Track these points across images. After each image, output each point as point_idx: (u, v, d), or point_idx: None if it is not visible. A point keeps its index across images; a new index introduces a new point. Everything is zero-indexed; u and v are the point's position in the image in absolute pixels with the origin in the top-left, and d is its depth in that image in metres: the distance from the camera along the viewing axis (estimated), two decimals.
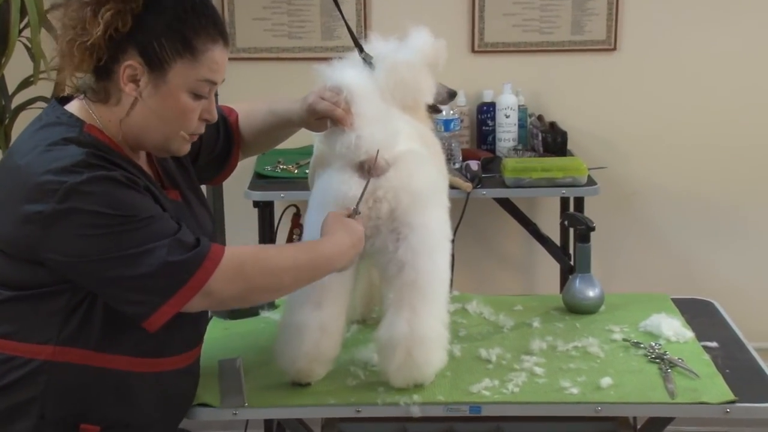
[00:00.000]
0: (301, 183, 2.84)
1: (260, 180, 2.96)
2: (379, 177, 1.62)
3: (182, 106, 1.45)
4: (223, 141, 1.74)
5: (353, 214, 1.60)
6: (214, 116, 1.50)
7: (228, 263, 1.43)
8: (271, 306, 2.07)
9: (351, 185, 1.62)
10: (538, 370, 1.74)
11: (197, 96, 1.46)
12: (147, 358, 1.48)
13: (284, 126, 1.72)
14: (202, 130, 1.51)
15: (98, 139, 1.45)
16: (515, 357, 1.80)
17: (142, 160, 1.54)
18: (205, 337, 1.94)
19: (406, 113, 1.75)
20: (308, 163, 2.55)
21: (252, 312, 2.04)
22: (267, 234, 2.97)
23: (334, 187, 1.64)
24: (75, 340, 1.45)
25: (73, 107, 1.49)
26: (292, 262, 1.50)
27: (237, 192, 2.91)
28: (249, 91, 3.04)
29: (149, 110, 1.45)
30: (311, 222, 1.67)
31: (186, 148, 1.50)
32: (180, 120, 1.46)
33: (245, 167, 3.18)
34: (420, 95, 1.80)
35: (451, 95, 1.93)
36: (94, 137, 1.45)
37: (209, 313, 2.08)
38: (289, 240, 3.08)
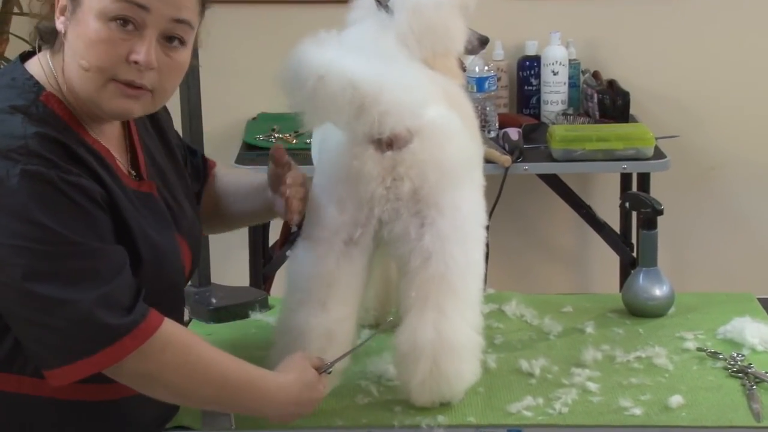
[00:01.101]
0: (301, 156, 2.84)
1: (250, 152, 2.97)
2: (401, 149, 1.63)
3: (91, 33, 1.40)
4: (194, 179, 1.76)
5: (323, 368, 1.59)
6: (145, 58, 1.41)
7: (153, 341, 1.43)
8: (264, 306, 2.09)
9: (365, 161, 1.62)
10: (592, 386, 1.74)
11: (113, 19, 1.40)
12: (98, 384, 1.47)
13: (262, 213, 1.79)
14: (136, 77, 1.43)
15: (54, 113, 1.44)
16: (563, 370, 1.80)
17: (110, 137, 1.52)
18: None
19: (433, 67, 1.75)
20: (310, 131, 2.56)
21: (241, 313, 2.06)
22: None
23: (345, 162, 1.64)
24: (9, 364, 1.46)
25: (34, 64, 1.48)
26: (220, 376, 1.49)
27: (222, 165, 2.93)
28: (227, 48, 3.02)
29: (71, 49, 1.43)
30: (316, 204, 1.68)
31: (123, 105, 1.44)
32: (93, 54, 1.40)
33: (232, 137, 3.20)
34: (451, 43, 1.80)
35: (483, 42, 1.93)
36: (50, 110, 1.43)
37: (186, 316, 2.10)
38: (286, 227, 3.08)
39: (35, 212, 1.36)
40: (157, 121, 1.65)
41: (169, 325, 1.45)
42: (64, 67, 1.44)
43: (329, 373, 1.61)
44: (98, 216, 1.42)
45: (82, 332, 1.39)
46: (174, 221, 1.58)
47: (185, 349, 1.46)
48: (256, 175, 1.80)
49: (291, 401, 1.55)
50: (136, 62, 1.42)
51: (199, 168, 1.79)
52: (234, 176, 1.83)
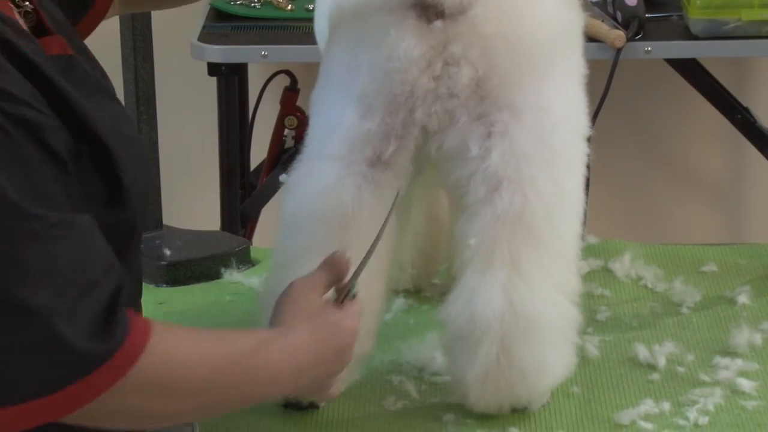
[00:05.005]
0: (300, 29, 2.84)
1: (221, 23, 2.96)
2: (456, 18, 1.64)
3: None
4: None
5: (342, 294, 1.57)
6: None
7: (135, 372, 1.39)
8: (244, 261, 2.12)
9: (405, 37, 1.63)
10: (746, 384, 1.76)
11: None
12: None
13: None
14: None
15: None
16: (703, 360, 1.83)
17: None
18: None
19: None
20: None
21: (209, 272, 2.09)
22: (233, 127, 2.99)
23: (371, 38, 1.66)
24: None
25: None
26: (206, 375, 1.44)
27: (177, 44, 2.93)
28: None
29: None
30: (325, 105, 1.70)
31: None
32: None
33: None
34: None
35: None
36: None
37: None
38: (276, 141, 3.07)
39: None
40: None
41: (163, 334, 1.42)
42: None
43: (355, 294, 1.56)
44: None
45: (53, 357, 1.35)
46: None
47: (170, 365, 1.44)
48: None
49: (310, 365, 1.53)
50: None
51: None
52: None
